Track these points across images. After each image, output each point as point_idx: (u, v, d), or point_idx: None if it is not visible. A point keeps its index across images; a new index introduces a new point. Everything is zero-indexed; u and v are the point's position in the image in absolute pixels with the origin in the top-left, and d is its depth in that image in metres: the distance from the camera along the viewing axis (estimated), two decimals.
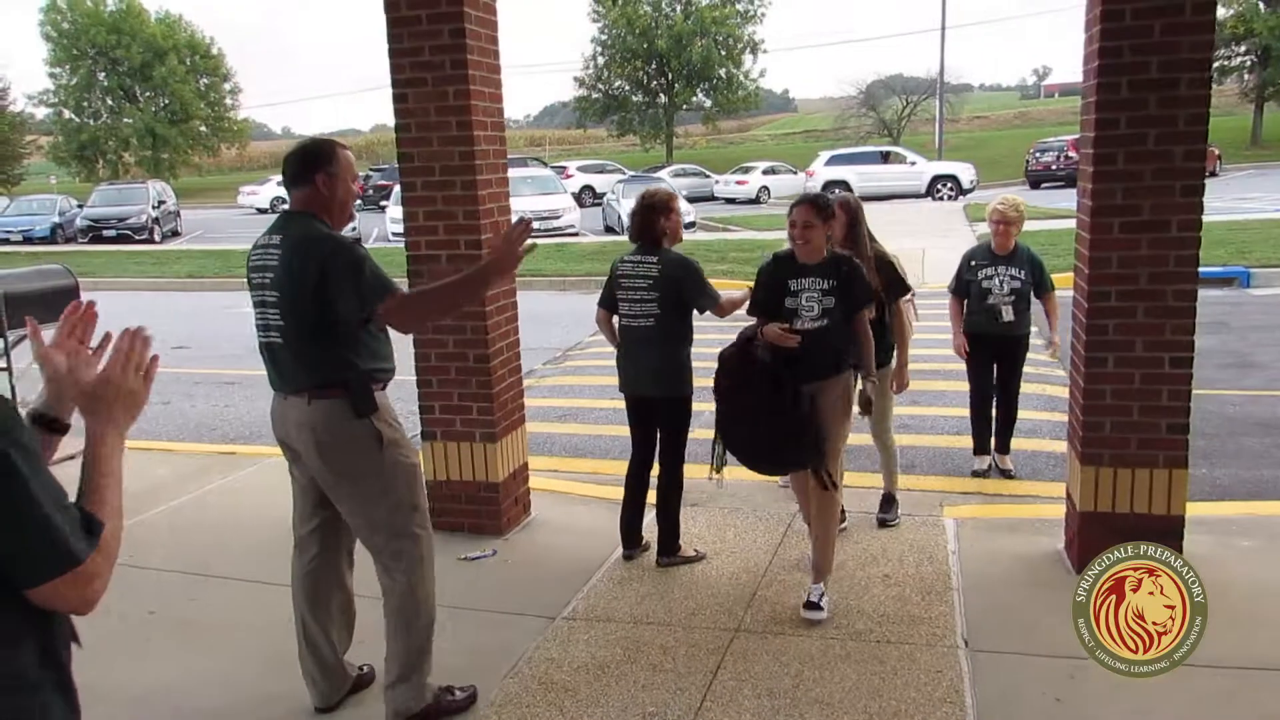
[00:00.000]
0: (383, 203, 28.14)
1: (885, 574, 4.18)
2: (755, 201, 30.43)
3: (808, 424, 3.82)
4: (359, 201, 25.76)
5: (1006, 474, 5.62)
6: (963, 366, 5.75)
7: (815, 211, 3.88)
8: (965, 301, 5.59)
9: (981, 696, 3.18)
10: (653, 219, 4.32)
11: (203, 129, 51.86)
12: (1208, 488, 5.32)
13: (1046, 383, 7.34)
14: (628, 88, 49.11)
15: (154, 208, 26.08)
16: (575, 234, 21.64)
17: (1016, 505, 5.22)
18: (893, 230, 19.32)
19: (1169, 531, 4.05)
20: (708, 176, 33.68)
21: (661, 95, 48.52)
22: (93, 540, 1.41)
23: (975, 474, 5.64)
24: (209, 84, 52.17)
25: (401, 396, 3.72)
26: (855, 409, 4.04)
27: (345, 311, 2.84)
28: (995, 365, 5.60)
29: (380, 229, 22.08)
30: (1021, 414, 5.85)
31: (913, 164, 29.85)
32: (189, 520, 5.07)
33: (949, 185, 28.58)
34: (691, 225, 22.13)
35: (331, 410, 2.91)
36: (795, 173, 32.24)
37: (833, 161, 29.90)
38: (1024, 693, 3.21)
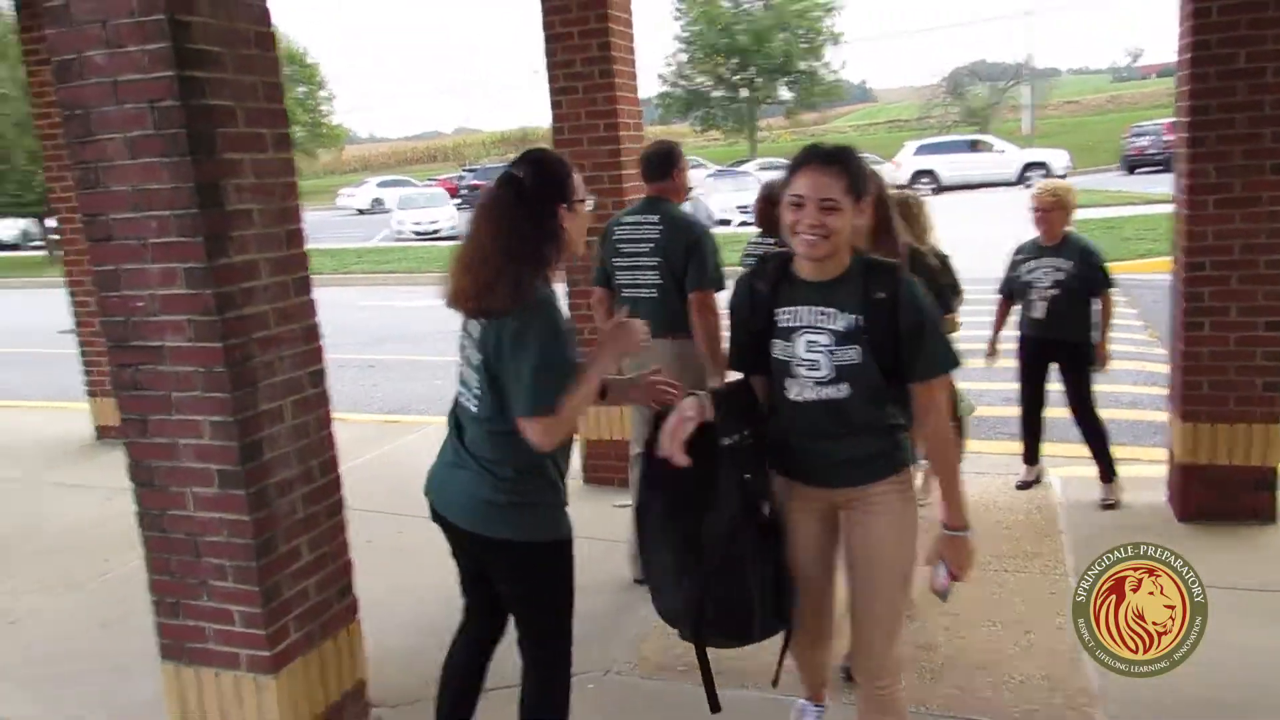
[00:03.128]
0: None
1: (998, 520, 4.66)
2: None
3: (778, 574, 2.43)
4: (457, 200, 26.87)
5: (1108, 505, 4.81)
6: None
7: (840, 175, 2.25)
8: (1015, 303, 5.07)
9: None
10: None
11: (300, 135, 54.07)
12: None
13: (1145, 360, 7.64)
14: (710, 83, 49.46)
15: None
16: None
17: (1121, 466, 5.61)
18: (980, 218, 19.44)
19: (1262, 482, 4.48)
20: None
21: (743, 90, 48.74)
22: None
23: (1020, 486, 5.13)
24: (306, 91, 54.35)
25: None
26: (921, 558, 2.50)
27: (687, 282, 3.87)
28: (1061, 374, 4.94)
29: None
30: (1121, 387, 6.05)
31: (1001, 152, 29.63)
32: (379, 472, 5.84)
33: (1041, 172, 28.29)
34: None
35: (685, 345, 3.85)
36: (881, 163, 32.22)
37: (921, 151, 29.88)
38: None
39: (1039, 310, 4.87)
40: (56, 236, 7.89)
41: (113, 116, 2.67)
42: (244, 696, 2.94)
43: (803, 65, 47.66)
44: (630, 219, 4.05)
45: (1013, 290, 5.08)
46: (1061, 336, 4.86)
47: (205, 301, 2.70)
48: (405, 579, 4.29)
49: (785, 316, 2.37)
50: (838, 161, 2.27)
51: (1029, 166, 28.63)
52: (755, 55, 46.62)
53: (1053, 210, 4.84)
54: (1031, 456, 5.20)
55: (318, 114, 55.75)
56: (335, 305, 14.79)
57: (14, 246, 28.95)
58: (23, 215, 22.99)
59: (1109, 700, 3.10)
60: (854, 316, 2.29)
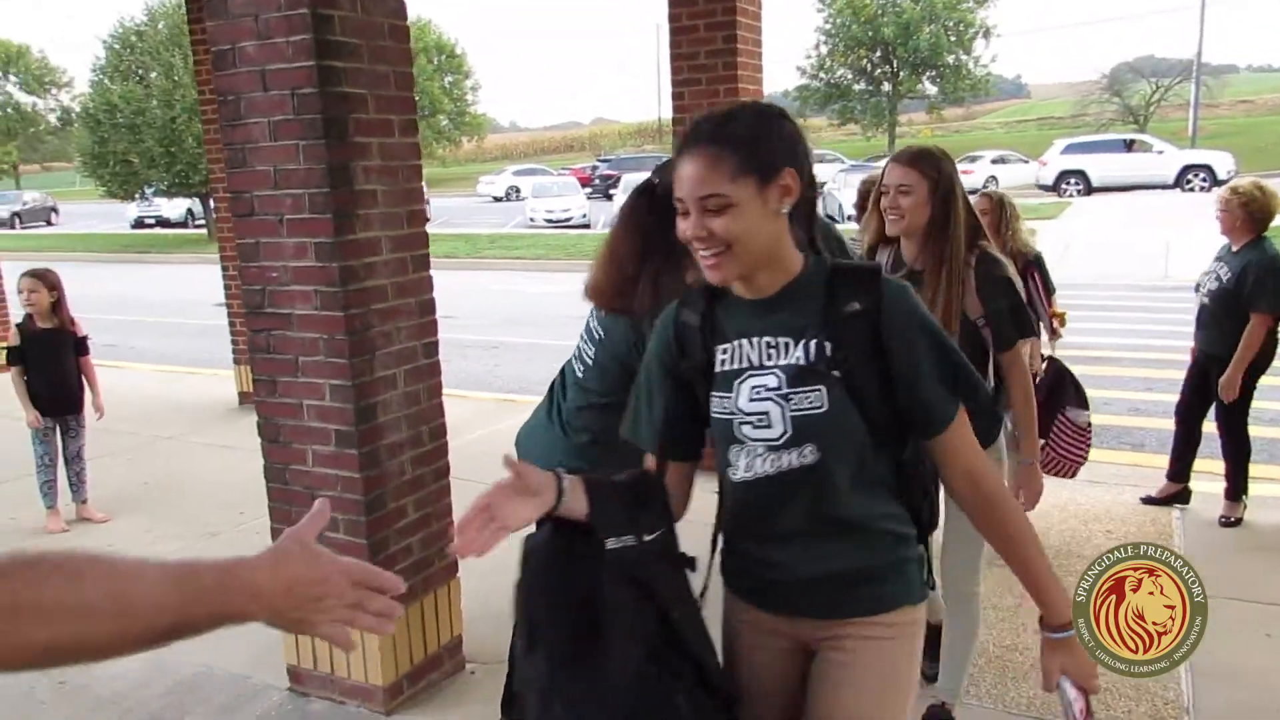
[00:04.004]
0: (610, 191, 29.72)
1: (1108, 530, 4.51)
2: None
3: None
4: (588, 189, 27.37)
5: (1229, 523, 4.53)
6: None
7: (724, 153, 1.52)
8: None
9: None
10: None
11: (445, 123, 56.03)
12: None
13: None
14: (850, 76, 48.61)
15: None
16: None
17: (1252, 484, 5.33)
18: (1136, 220, 18.51)
19: None
20: None
21: (885, 83, 47.68)
22: None
23: (1144, 500, 4.80)
24: (453, 81, 56.29)
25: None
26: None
27: None
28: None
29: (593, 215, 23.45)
30: (1269, 403, 5.62)
31: (1160, 153, 27.99)
32: (491, 448, 6.03)
33: (1201, 176, 26.60)
34: None
35: None
36: (1027, 162, 31.01)
37: (1070, 150, 28.54)
38: (1238, 628, 3.52)
39: (1200, 315, 4.60)
40: (214, 215, 8.50)
41: (259, 102, 2.93)
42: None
43: (950, 59, 46.27)
44: None
45: None
46: (1204, 348, 4.58)
47: (331, 274, 2.94)
48: (505, 544, 4.50)
49: (723, 357, 1.62)
50: (722, 136, 1.51)
51: (1188, 169, 26.97)
52: (900, 48, 45.55)
53: (1232, 210, 4.38)
54: (1177, 472, 4.79)
55: (462, 103, 57.73)
56: (467, 288, 15.36)
57: (180, 224, 31.16)
58: (189, 195, 24.69)
59: (1198, 712, 3.01)
60: (814, 342, 1.55)
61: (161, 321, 13.21)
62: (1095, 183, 27.10)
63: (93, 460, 5.33)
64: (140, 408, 7.55)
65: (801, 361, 1.55)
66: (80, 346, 5.17)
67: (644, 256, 2.38)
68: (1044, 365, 4.22)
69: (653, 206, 2.43)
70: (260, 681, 3.40)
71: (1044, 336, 4.21)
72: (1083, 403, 4.22)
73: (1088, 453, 4.25)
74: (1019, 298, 2.69)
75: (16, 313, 5.43)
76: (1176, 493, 4.79)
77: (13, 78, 55.39)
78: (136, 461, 6.30)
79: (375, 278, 3.06)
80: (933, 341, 1.57)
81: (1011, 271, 2.73)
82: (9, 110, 54.19)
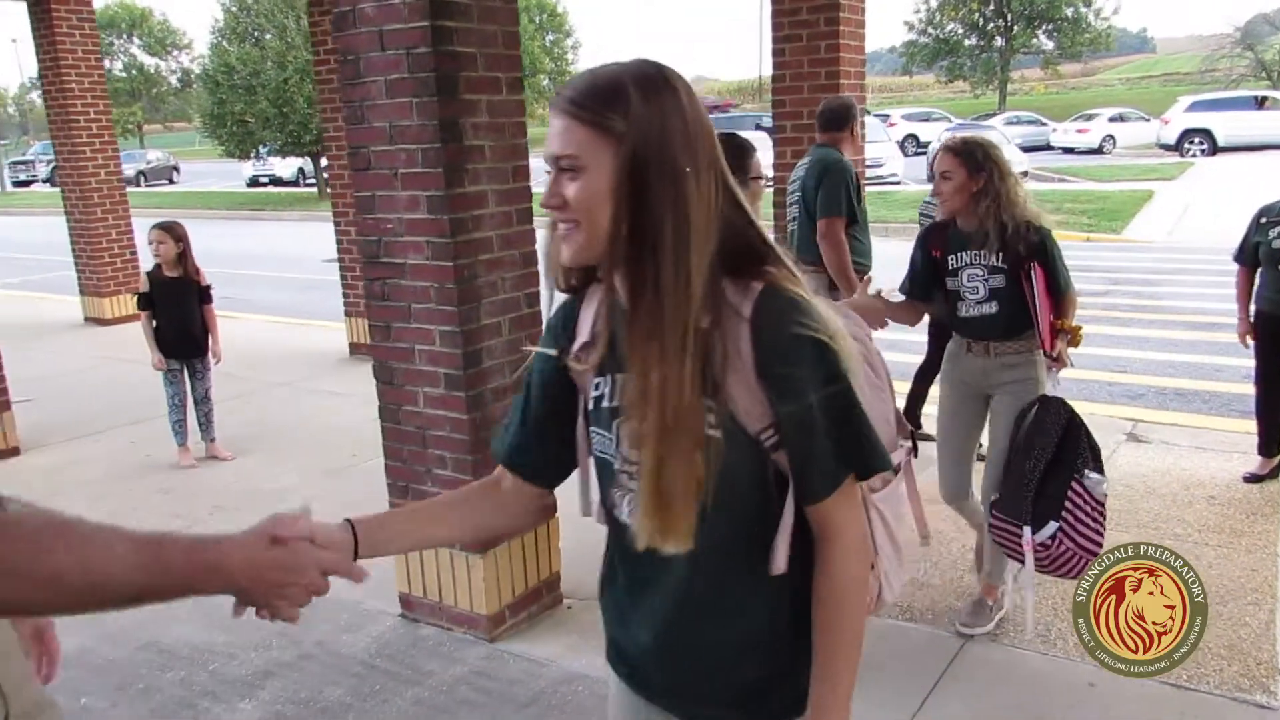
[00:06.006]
0: None
1: (1210, 495, 4.42)
2: (1098, 151, 28.33)
3: None
4: None
5: None
6: None
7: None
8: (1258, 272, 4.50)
9: None
10: None
11: (546, 83, 56.42)
12: None
13: None
14: (960, 30, 46.89)
15: None
16: (897, 182, 21.60)
17: None
18: (1263, 182, 17.51)
19: None
20: (1044, 125, 31.72)
21: (998, 38, 45.84)
22: None
23: (1246, 478, 4.57)
24: (554, 40, 56.54)
25: None
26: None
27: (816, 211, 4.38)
28: None
29: None
30: None
31: None
32: None
33: None
34: (1024, 175, 21.31)
35: (811, 278, 4.29)
36: (1148, 120, 29.55)
37: (1195, 108, 27.02)
38: None
39: (1270, 283, 4.39)
40: (326, 175, 8.83)
41: (376, 61, 3.09)
42: (457, 573, 3.40)
43: (1068, 11, 44.17)
44: (800, 165, 4.63)
45: (1257, 257, 4.50)
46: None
47: (441, 226, 3.10)
48: None
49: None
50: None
51: None
52: (1014, 1, 43.69)
53: None
54: (1268, 447, 4.61)
55: (563, 62, 57.97)
56: None
57: (292, 183, 32.26)
58: (300, 155, 25.51)
59: None
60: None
61: (271, 275, 13.82)
62: (1221, 142, 25.69)
63: (215, 403, 5.70)
64: (255, 355, 7.99)
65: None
66: (204, 295, 5.51)
67: None
68: (1048, 409, 3.03)
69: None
70: (373, 607, 3.65)
71: (1041, 362, 3.19)
72: (1100, 465, 2.98)
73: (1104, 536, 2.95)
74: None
75: (147, 263, 5.81)
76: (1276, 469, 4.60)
77: (136, 40, 57.97)
78: (254, 405, 6.70)
79: (482, 230, 3.21)
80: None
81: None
82: (133, 72, 56.80)
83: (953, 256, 3.25)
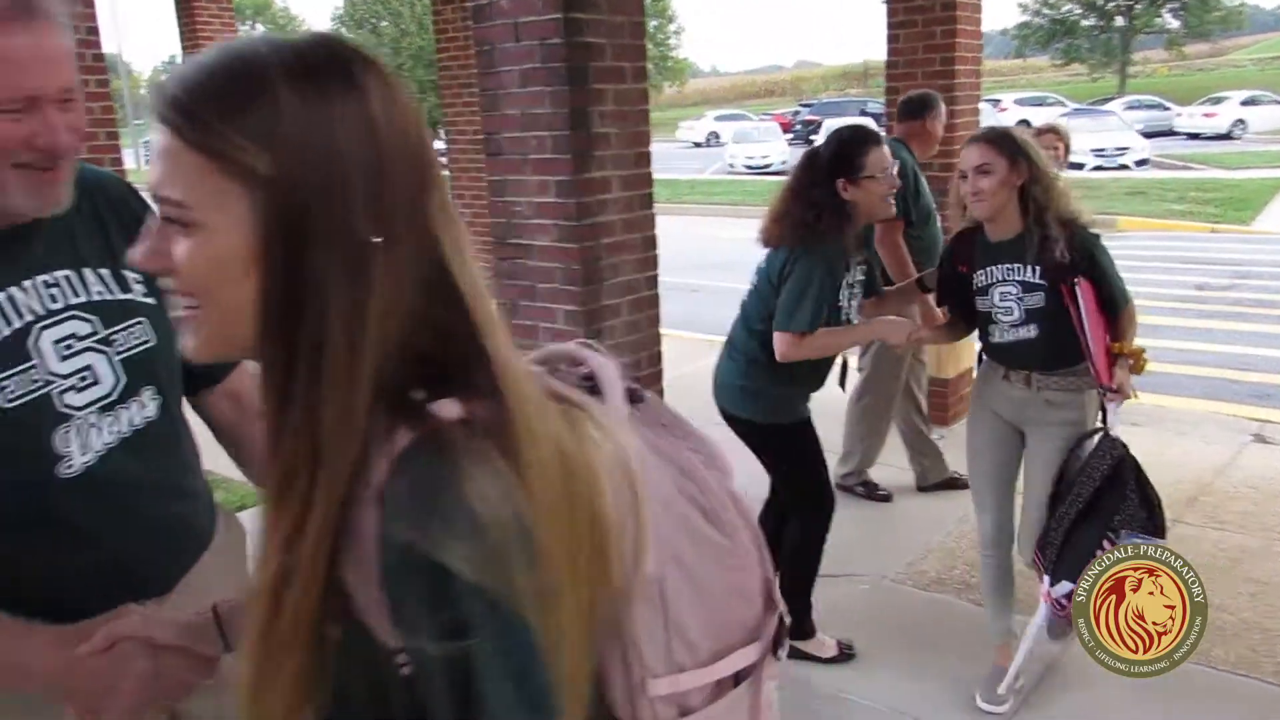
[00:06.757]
0: (811, 137, 29.22)
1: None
2: (1226, 137, 26.93)
3: None
4: (789, 135, 26.94)
5: None
6: None
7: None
8: None
9: None
10: None
11: (648, 67, 56.44)
12: None
13: None
14: (1078, 10, 45.11)
15: None
16: None
17: None
18: None
19: None
20: (1167, 109, 30.30)
21: (1118, 17, 43.93)
22: None
23: None
24: (656, 25, 56.58)
25: None
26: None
27: None
28: None
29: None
30: None
31: None
32: (696, 385, 6.40)
33: None
34: (1144, 162, 20.53)
35: None
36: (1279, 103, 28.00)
37: None
38: None
39: None
40: (444, 158, 9.12)
41: (511, 52, 3.25)
42: None
43: None
44: None
45: None
46: None
47: (568, 210, 3.25)
48: None
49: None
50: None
51: None
52: None
53: None
54: None
55: (665, 47, 58.00)
56: (666, 231, 15.63)
57: None
58: None
59: None
60: None
61: None
62: None
63: None
64: None
65: None
66: None
67: (794, 205, 2.97)
68: (1100, 448, 2.63)
69: (813, 168, 3.01)
70: None
71: (1092, 401, 2.73)
72: (1157, 526, 2.52)
73: None
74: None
75: None
76: None
77: (260, 27, 60.41)
78: None
79: (606, 214, 3.34)
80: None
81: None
82: None
83: (981, 273, 2.75)
